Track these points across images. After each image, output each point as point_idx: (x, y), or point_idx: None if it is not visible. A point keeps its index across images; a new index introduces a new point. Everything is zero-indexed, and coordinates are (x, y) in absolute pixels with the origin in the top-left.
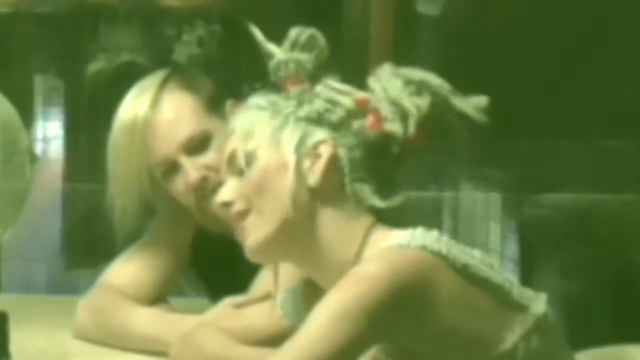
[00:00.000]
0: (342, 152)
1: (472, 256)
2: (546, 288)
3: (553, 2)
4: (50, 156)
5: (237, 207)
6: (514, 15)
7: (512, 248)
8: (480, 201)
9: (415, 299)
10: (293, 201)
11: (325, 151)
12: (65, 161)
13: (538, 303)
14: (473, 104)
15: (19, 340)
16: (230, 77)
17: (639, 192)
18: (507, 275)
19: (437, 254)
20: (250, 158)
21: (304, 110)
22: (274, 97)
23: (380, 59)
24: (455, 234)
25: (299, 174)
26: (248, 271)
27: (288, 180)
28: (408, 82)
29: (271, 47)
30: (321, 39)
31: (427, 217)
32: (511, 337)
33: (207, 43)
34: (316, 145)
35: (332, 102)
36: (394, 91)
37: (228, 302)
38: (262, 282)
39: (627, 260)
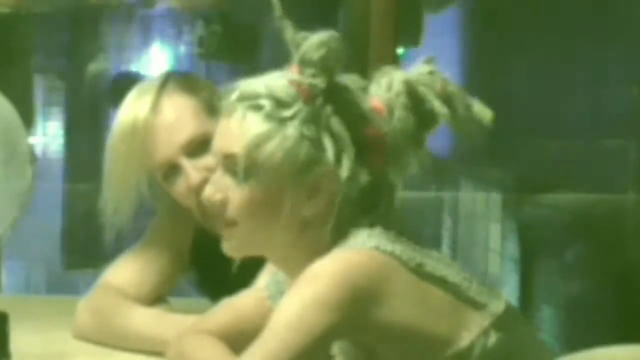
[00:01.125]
0: (341, 188)
1: (428, 256)
2: (546, 288)
3: (554, 3)
4: (50, 156)
5: (227, 214)
6: (514, 15)
7: (512, 248)
8: (480, 201)
9: (368, 295)
10: (283, 227)
11: (326, 187)
12: (65, 161)
13: (497, 301)
14: (476, 121)
15: (19, 340)
16: (230, 77)
17: (639, 192)
18: (465, 274)
19: (390, 254)
20: (250, 173)
21: (311, 130)
22: (279, 95)
23: (380, 59)
24: (455, 234)
25: (297, 203)
26: (248, 271)
27: (284, 208)
28: (422, 114)
29: (289, 29)
30: (342, 52)
31: (427, 217)
32: (468, 335)
33: (207, 43)
34: (319, 176)
35: (341, 137)
36: (404, 136)
37: (227, 302)
38: (262, 279)
39: (627, 260)
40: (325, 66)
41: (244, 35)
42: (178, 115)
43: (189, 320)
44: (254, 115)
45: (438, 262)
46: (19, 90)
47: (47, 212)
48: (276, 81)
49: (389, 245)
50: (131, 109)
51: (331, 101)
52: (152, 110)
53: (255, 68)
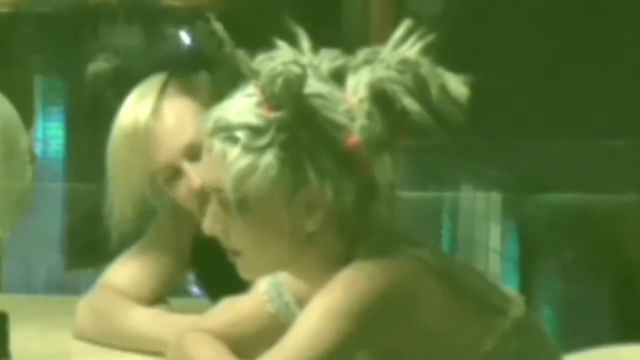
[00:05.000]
0: (331, 199)
1: (451, 261)
2: (546, 288)
3: (554, 3)
4: (50, 156)
5: (230, 246)
6: (514, 15)
7: (512, 248)
8: (480, 201)
9: (400, 302)
10: (289, 247)
11: (321, 201)
12: (65, 161)
13: (517, 306)
14: (452, 101)
15: (19, 340)
16: (230, 77)
17: (639, 192)
18: (488, 278)
19: (419, 259)
20: (241, 206)
21: (291, 154)
22: (253, 124)
23: None
24: (455, 234)
25: (295, 223)
26: None
27: (283, 231)
28: (393, 113)
29: (243, 60)
30: (301, 74)
31: (427, 217)
32: (491, 340)
33: (207, 43)
34: (311, 193)
35: (319, 156)
36: (371, 144)
37: (227, 302)
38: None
39: (627, 260)
40: (287, 95)
41: (243, 35)
42: (179, 119)
43: (188, 320)
44: (232, 149)
45: (461, 267)
46: (19, 90)
47: (47, 212)
48: (247, 108)
49: (416, 251)
50: (132, 113)
51: (303, 124)
52: (152, 114)
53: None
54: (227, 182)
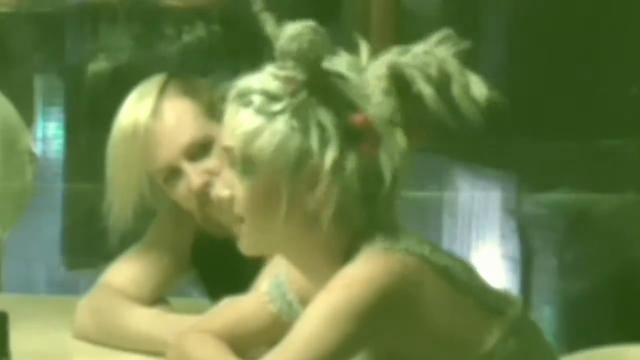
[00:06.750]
0: (337, 177)
1: (452, 260)
2: (546, 287)
3: (553, 3)
4: (50, 156)
5: (236, 210)
6: (513, 15)
7: (512, 248)
8: (480, 201)
9: (402, 300)
10: (288, 222)
11: (325, 178)
12: (65, 161)
13: (514, 306)
14: (471, 101)
15: (19, 340)
16: (230, 77)
17: (639, 192)
18: (485, 279)
19: (420, 257)
20: (248, 168)
21: (301, 122)
22: (270, 90)
23: None
24: (455, 234)
25: (296, 197)
26: (249, 272)
27: (283, 202)
28: (408, 97)
29: (269, 22)
30: (319, 41)
31: (427, 217)
32: (490, 340)
33: (207, 43)
34: (315, 168)
35: (326, 127)
36: (383, 122)
37: (228, 302)
38: (263, 283)
39: (627, 259)
40: (302, 58)
41: (244, 34)
42: (178, 119)
43: (189, 320)
44: (245, 111)
45: (460, 267)
46: (19, 90)
47: (47, 212)
48: (268, 76)
49: (417, 247)
50: (131, 113)
51: (316, 91)
52: (152, 114)
53: (255, 68)
54: (235, 141)
